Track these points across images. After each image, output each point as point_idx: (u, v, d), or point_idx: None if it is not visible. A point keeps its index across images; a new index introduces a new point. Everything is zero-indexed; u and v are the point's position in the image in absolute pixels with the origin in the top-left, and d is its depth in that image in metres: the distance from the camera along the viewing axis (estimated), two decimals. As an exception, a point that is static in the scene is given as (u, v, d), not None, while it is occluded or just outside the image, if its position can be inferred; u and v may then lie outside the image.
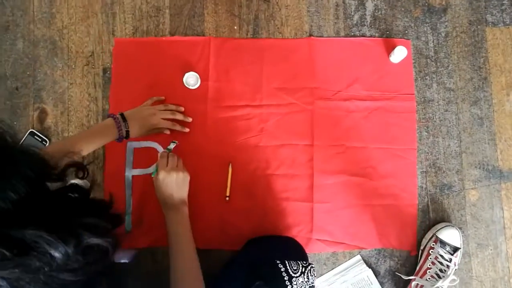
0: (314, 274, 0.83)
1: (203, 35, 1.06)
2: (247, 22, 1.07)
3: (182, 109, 1.01)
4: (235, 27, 1.07)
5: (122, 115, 0.88)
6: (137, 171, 1.01)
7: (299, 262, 0.82)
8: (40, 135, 1.00)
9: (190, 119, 1.01)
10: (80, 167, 0.60)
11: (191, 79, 1.02)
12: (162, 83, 1.04)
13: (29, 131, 1.00)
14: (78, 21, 1.06)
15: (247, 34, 1.07)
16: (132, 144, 1.02)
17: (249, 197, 1.01)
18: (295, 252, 0.92)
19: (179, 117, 0.98)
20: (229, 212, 1.00)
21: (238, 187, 1.01)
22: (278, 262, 0.80)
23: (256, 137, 1.04)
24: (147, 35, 1.06)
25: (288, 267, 0.79)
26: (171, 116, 0.96)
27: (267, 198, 1.01)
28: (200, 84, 1.03)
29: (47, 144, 1.00)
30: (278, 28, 1.07)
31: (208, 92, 1.04)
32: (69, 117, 1.03)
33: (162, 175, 0.84)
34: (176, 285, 0.74)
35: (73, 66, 1.04)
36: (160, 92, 1.03)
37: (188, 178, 0.88)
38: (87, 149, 0.81)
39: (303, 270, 0.81)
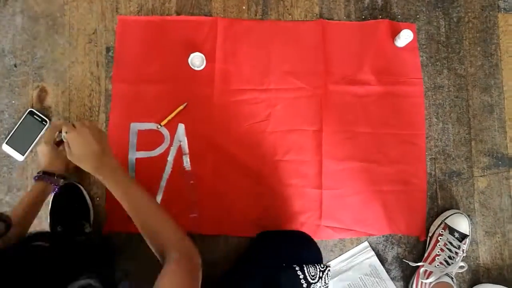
0: (329, 275, 0.82)
1: (210, 15, 1.03)
2: (256, 2, 1.04)
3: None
4: (244, 7, 1.04)
5: (44, 172, 0.79)
6: (141, 154, 0.98)
7: (317, 266, 0.80)
8: (40, 115, 0.96)
9: None
10: None
11: (197, 60, 0.99)
12: (167, 63, 1.01)
13: (28, 110, 0.96)
14: (80, -3, 1.02)
15: (255, 15, 1.04)
16: (135, 126, 0.98)
17: (257, 183, 0.98)
18: (310, 251, 0.89)
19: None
20: (236, 198, 0.98)
21: (245, 173, 0.98)
22: (297, 269, 0.78)
23: (264, 122, 1.01)
24: (152, 13, 1.02)
25: (306, 273, 0.77)
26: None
27: (275, 185, 0.99)
28: (206, 66, 1.00)
29: (47, 124, 0.96)
30: (287, 9, 1.04)
31: (214, 74, 1.01)
32: (71, 97, 0.99)
33: (72, 132, 0.73)
34: (154, 239, 0.68)
35: (75, 44, 1.00)
36: (165, 72, 1.00)
37: (103, 132, 0.78)
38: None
39: (321, 274, 0.79)
